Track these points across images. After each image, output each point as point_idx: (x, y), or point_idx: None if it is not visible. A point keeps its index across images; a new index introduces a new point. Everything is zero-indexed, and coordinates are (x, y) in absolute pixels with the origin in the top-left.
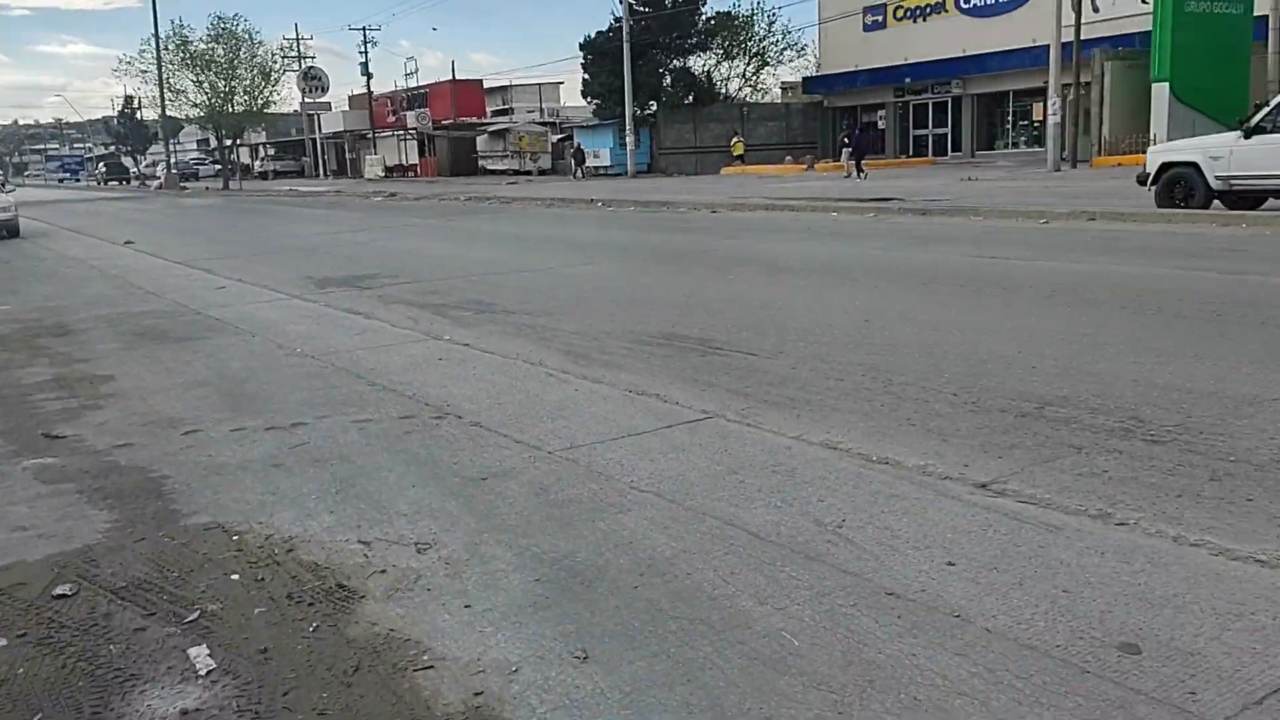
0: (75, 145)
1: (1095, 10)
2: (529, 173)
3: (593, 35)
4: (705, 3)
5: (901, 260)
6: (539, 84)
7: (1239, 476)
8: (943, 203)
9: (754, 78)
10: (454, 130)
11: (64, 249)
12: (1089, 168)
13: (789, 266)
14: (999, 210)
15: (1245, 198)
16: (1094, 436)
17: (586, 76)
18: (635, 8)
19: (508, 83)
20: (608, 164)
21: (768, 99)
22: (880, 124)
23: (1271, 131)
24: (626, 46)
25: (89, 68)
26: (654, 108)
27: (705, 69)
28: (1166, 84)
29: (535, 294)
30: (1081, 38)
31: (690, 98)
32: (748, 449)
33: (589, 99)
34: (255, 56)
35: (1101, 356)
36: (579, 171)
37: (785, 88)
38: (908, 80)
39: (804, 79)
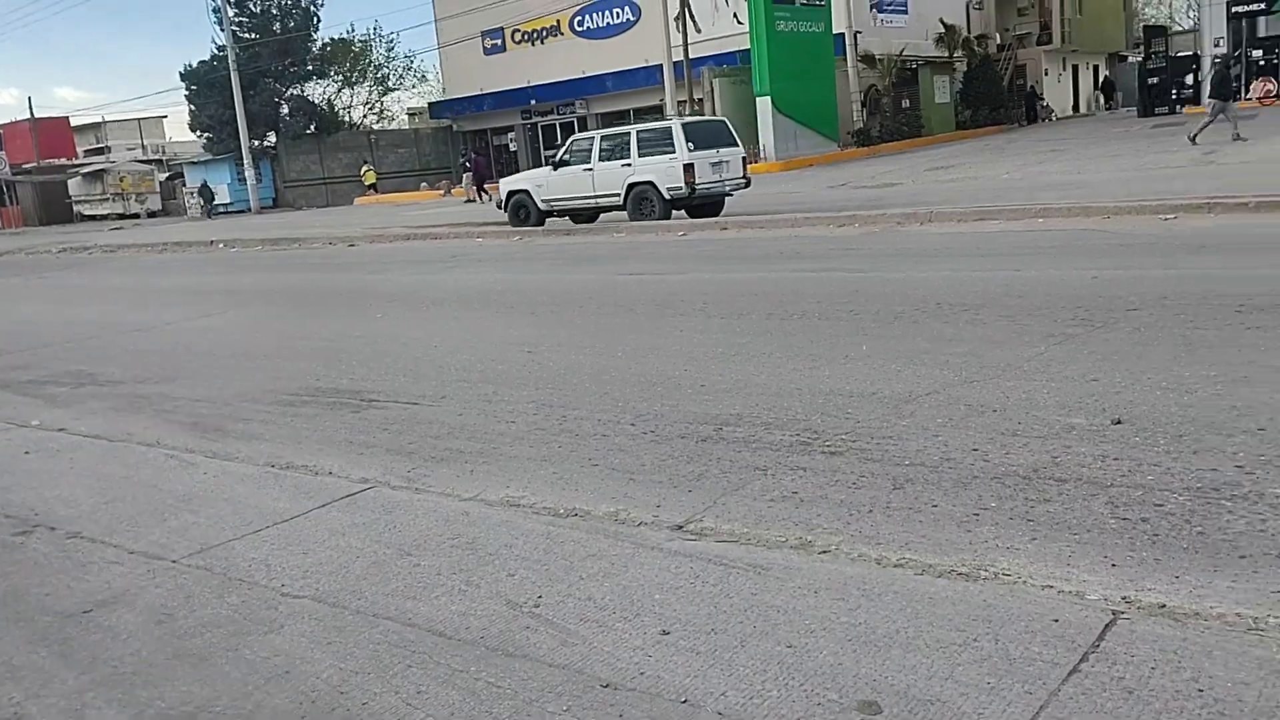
0: None
1: (698, 30)
2: (136, 216)
3: (194, 64)
4: (317, 29)
5: (553, 283)
6: (139, 119)
7: (918, 481)
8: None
9: (378, 104)
10: (39, 174)
11: None
12: None
13: (440, 299)
14: (638, 226)
15: (564, 216)
16: (775, 455)
17: (193, 108)
18: (240, 34)
19: (100, 119)
20: (228, 201)
21: (395, 125)
22: (511, 145)
23: (569, 165)
24: (235, 75)
25: None
26: (273, 139)
27: (326, 97)
28: (768, 98)
29: (150, 357)
30: (690, 56)
31: (312, 127)
32: (419, 521)
33: (198, 132)
34: None
35: (763, 368)
36: (207, 210)
37: (412, 113)
38: (533, 102)
39: (429, 104)
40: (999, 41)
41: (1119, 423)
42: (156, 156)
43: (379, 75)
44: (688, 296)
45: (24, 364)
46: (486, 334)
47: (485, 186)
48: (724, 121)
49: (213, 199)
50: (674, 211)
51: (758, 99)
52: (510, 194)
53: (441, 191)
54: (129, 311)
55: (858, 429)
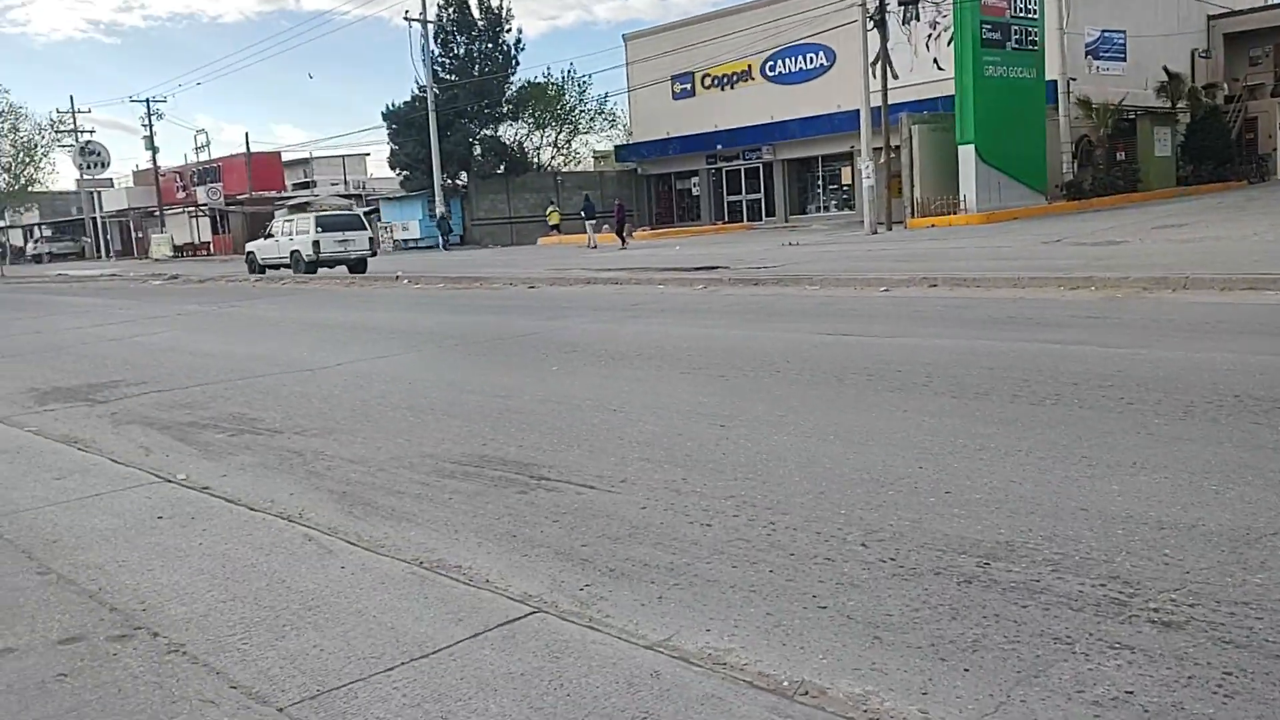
0: None
1: (895, 77)
2: None
3: (397, 105)
4: (514, 72)
5: (745, 341)
6: (343, 155)
7: None
8: (772, 269)
9: (566, 146)
10: (249, 205)
11: None
12: (904, 229)
13: (620, 352)
14: (833, 278)
15: (279, 269)
16: (1079, 618)
17: (394, 146)
18: (441, 76)
19: (308, 155)
20: (417, 236)
21: (580, 167)
22: (695, 190)
23: (269, 238)
24: (432, 116)
25: None
26: (465, 178)
27: (517, 138)
28: (972, 146)
29: (313, 402)
30: (888, 102)
31: (502, 167)
32: (593, 681)
33: (396, 170)
34: (17, 130)
35: (1024, 472)
36: (444, 243)
37: (598, 156)
38: (719, 147)
39: (616, 147)
40: (1227, 92)
41: None
42: (357, 191)
43: (570, 118)
44: (905, 366)
45: (190, 402)
46: (671, 399)
47: (623, 233)
48: (357, 215)
49: (449, 231)
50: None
51: (960, 147)
52: (249, 253)
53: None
54: (305, 348)
55: (1190, 583)
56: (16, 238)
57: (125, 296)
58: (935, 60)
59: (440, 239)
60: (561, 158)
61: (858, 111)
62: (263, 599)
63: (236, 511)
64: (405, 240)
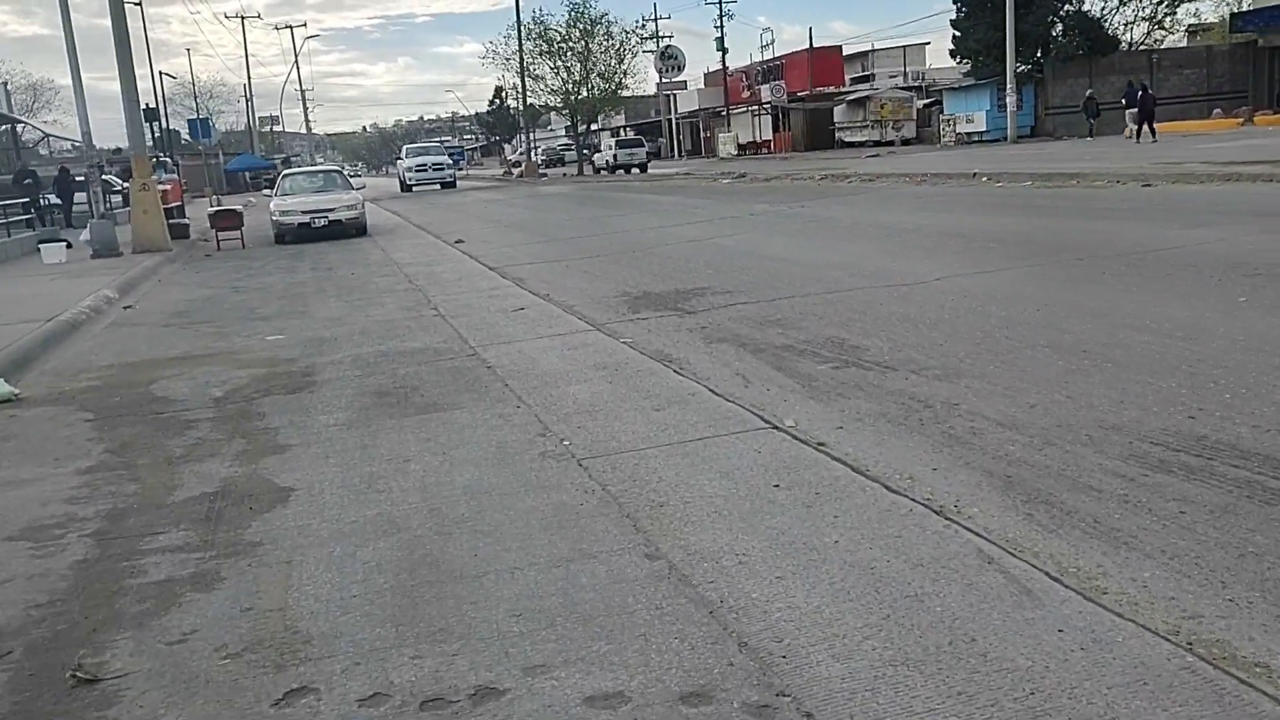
0: (465, 136)
1: None
2: (890, 143)
3: None
4: None
5: None
6: (903, 46)
7: None
8: None
9: (1166, 18)
10: (810, 102)
11: (393, 250)
12: None
13: None
14: None
15: None
16: None
17: (956, 34)
18: None
19: (869, 47)
20: (983, 129)
21: (1166, 45)
22: None
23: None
24: None
25: (479, 65)
26: (1039, 61)
27: (1102, 12)
28: None
29: (920, 329)
30: None
31: (1085, 48)
32: None
33: (959, 59)
34: (610, 39)
35: None
36: (1090, 130)
37: (1193, 30)
38: None
39: (1230, 15)
40: None
41: None
42: (916, 84)
43: None
44: None
45: (780, 318)
46: None
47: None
48: None
49: (1098, 114)
50: None
51: None
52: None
53: (1240, 120)
54: (884, 257)
55: None
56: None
57: (698, 195)
58: None
59: (1091, 123)
60: (1160, 32)
61: None
62: (940, 659)
63: (870, 491)
64: (969, 134)
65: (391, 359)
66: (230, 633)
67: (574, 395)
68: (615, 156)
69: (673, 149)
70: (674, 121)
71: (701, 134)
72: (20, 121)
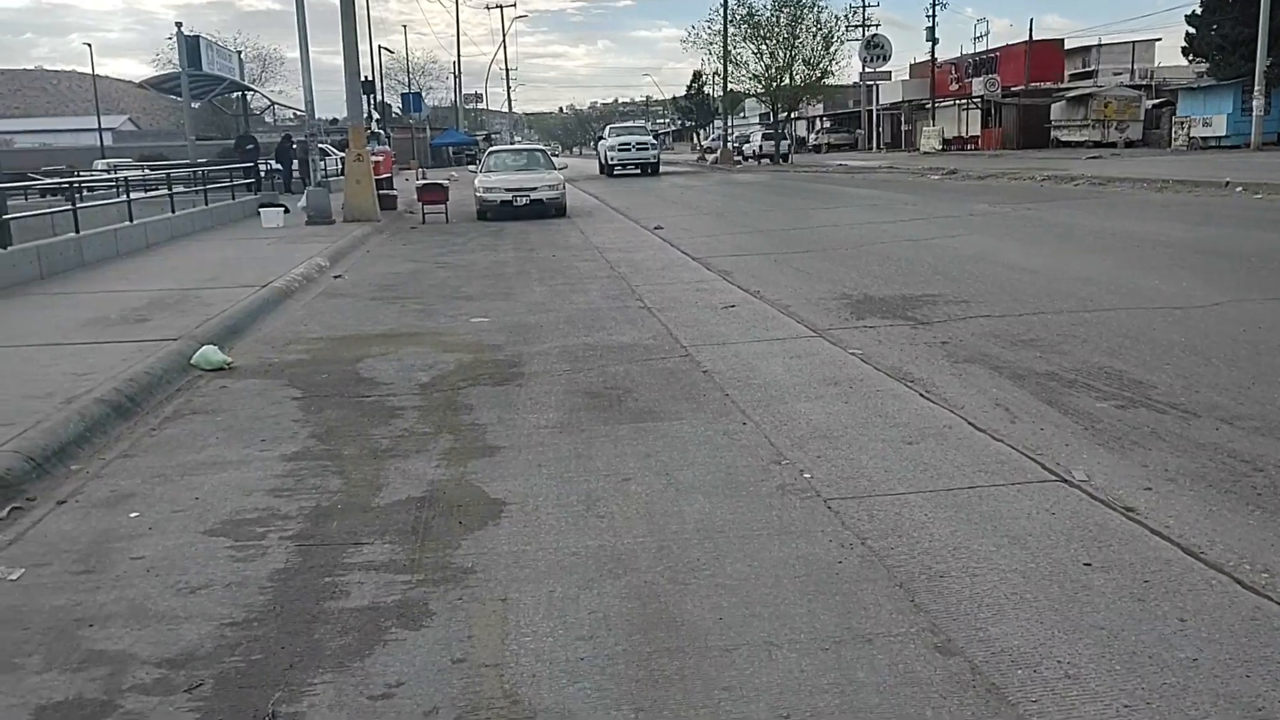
0: (658, 121)
1: None
2: (1113, 144)
3: None
4: None
5: None
6: (1132, 42)
7: None
8: None
9: None
10: (1024, 97)
11: (591, 233)
12: None
13: None
14: None
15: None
16: None
17: (1191, 30)
18: None
19: (1095, 41)
20: (1222, 133)
21: None
22: None
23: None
24: None
25: (677, 49)
26: None
27: None
28: None
29: (1214, 366)
30: None
31: None
32: None
33: (1193, 58)
34: (818, 23)
35: None
36: None
37: None
38: None
39: None
40: None
41: None
42: (1144, 82)
43: None
44: None
45: (1033, 338)
46: None
47: None
48: None
49: None
50: None
51: None
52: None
53: None
54: (1140, 272)
55: None
56: (800, 129)
57: (905, 190)
58: None
59: None
60: None
61: None
62: None
63: (1219, 586)
64: (1204, 138)
65: (600, 354)
66: (441, 691)
67: (806, 415)
68: (760, 148)
69: (871, 140)
70: (874, 112)
71: (902, 126)
72: (250, 89)
